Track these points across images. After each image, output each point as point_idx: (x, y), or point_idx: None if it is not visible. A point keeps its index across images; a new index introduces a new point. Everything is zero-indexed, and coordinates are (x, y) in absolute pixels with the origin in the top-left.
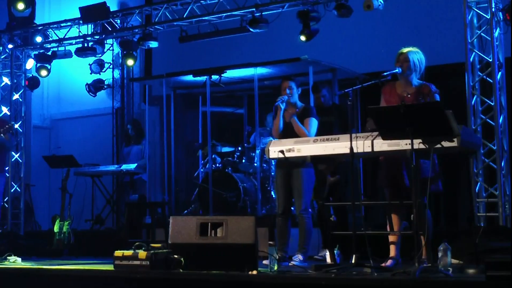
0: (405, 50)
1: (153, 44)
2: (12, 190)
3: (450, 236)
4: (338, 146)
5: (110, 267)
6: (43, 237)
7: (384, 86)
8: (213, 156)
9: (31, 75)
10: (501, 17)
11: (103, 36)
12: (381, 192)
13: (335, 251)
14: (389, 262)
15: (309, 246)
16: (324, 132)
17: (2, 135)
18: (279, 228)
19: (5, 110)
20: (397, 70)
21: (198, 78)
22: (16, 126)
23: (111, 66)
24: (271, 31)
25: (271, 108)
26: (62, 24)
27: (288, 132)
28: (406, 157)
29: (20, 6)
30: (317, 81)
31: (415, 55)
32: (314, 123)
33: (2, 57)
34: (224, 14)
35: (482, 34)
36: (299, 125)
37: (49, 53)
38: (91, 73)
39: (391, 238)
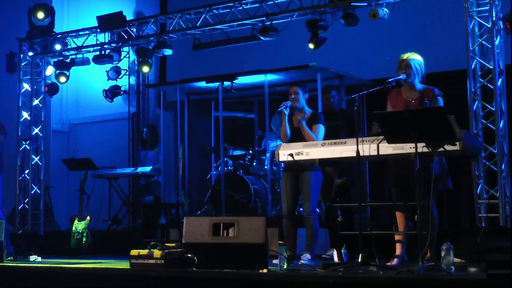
0: (405, 56)
1: (168, 52)
2: (32, 192)
3: (452, 236)
4: (345, 149)
5: (126, 265)
6: (62, 237)
7: (390, 92)
8: (225, 159)
9: (50, 82)
10: (502, 26)
11: (120, 44)
12: (386, 193)
13: (342, 250)
14: (395, 261)
15: (316, 245)
16: (331, 136)
17: None
18: (286, 229)
19: (25, 115)
20: (401, 76)
21: (210, 84)
22: (36, 130)
23: (127, 73)
24: (280, 39)
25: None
26: (80, 33)
27: (297, 137)
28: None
29: (40, 15)
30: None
31: (415, 59)
32: (322, 129)
33: (23, 64)
34: (236, 23)
35: (483, 42)
36: (308, 131)
37: (68, 60)
38: (108, 80)
39: (397, 236)
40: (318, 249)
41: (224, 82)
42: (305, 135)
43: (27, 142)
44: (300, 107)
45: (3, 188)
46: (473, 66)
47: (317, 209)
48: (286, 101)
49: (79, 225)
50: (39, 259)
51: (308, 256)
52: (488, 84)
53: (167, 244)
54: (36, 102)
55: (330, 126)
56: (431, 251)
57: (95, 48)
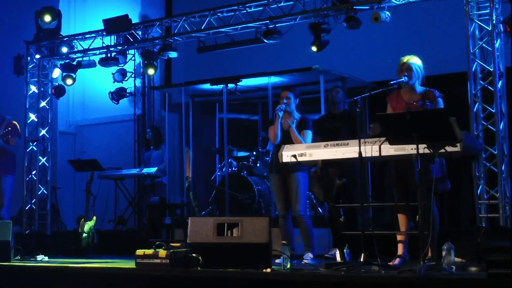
0: (405, 59)
1: (173, 54)
2: (39, 193)
3: (453, 236)
4: (347, 150)
5: (132, 265)
6: (68, 237)
7: (390, 95)
8: (229, 160)
9: (57, 84)
10: (502, 29)
11: (126, 46)
12: (389, 193)
13: (344, 250)
14: (397, 261)
15: (314, 243)
16: (334, 137)
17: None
18: (283, 230)
19: (32, 117)
20: (403, 79)
21: (215, 87)
22: (43, 132)
23: (133, 75)
24: (284, 42)
25: None
26: (86, 36)
27: (285, 140)
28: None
29: (47, 18)
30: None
31: (415, 63)
32: (309, 134)
33: (30, 66)
34: (240, 26)
35: (483, 45)
36: (297, 135)
37: (74, 63)
38: (114, 82)
39: (399, 237)
40: (321, 249)
41: (228, 84)
42: (293, 138)
43: (34, 144)
44: (290, 111)
45: (12, 189)
46: (473, 69)
47: (320, 209)
48: (280, 104)
49: (89, 224)
50: (46, 258)
51: (310, 255)
52: (489, 86)
53: (172, 244)
54: (43, 104)
55: (333, 128)
56: (432, 251)
57: (101, 50)
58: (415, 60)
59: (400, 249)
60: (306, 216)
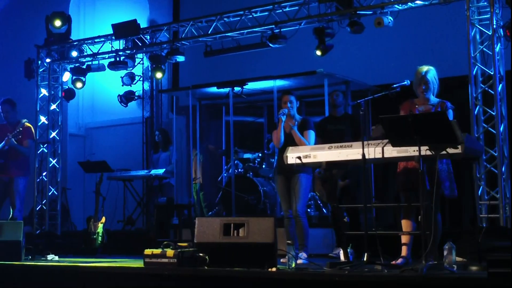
0: (424, 72)
1: (180, 58)
2: (49, 193)
3: (454, 236)
4: (351, 152)
5: (140, 264)
6: (78, 237)
7: (404, 103)
8: (235, 162)
9: (67, 87)
10: (502, 33)
11: (134, 51)
12: (391, 194)
13: (348, 250)
14: (399, 261)
15: (308, 243)
16: (337, 139)
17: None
18: (288, 230)
19: (43, 119)
20: (405, 83)
21: (221, 90)
22: (53, 134)
23: (141, 79)
24: (289, 46)
25: None
26: (96, 40)
27: (289, 143)
28: (428, 162)
29: (57, 23)
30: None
31: (433, 75)
32: (312, 135)
33: (41, 70)
34: (246, 31)
35: (484, 49)
36: (300, 137)
37: (84, 66)
38: (122, 85)
39: (403, 240)
40: (325, 249)
41: (235, 88)
42: (297, 140)
43: (44, 146)
44: (292, 115)
45: (25, 191)
46: (474, 72)
47: (324, 210)
48: (283, 109)
49: (95, 225)
50: (56, 258)
51: (304, 254)
52: (489, 90)
53: (179, 244)
54: (53, 107)
55: (336, 130)
56: (434, 253)
57: (110, 54)
58: (432, 73)
59: (403, 250)
60: (304, 216)
